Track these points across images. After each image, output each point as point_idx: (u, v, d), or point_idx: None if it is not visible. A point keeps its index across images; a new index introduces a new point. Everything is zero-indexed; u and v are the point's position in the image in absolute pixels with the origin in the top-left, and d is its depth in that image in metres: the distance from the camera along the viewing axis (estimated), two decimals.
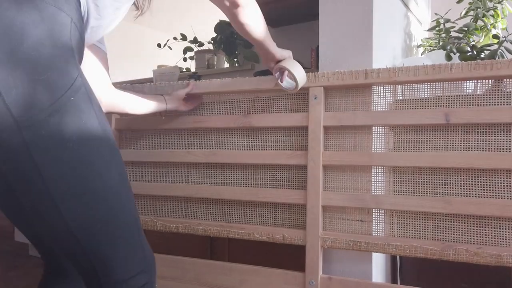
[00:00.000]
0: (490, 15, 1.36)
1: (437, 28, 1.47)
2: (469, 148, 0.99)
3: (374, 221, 1.08)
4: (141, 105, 1.13)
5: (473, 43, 1.33)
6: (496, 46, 1.20)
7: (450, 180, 1.00)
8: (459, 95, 1.00)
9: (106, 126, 0.68)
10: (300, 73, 1.03)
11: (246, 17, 0.90)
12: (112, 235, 0.68)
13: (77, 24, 0.65)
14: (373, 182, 1.08)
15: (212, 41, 2.32)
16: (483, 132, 0.98)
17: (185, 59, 2.43)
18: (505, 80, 0.97)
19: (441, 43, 1.39)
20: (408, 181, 1.04)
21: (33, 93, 0.57)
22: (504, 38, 1.20)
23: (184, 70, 2.45)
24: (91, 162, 0.64)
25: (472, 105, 0.99)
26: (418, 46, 1.63)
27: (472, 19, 1.38)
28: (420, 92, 1.05)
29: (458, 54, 1.27)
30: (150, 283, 0.74)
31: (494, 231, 0.96)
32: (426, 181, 1.03)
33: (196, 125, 1.28)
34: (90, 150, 0.64)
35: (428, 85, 1.04)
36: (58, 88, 0.59)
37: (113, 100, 1.04)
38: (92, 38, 0.78)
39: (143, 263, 0.73)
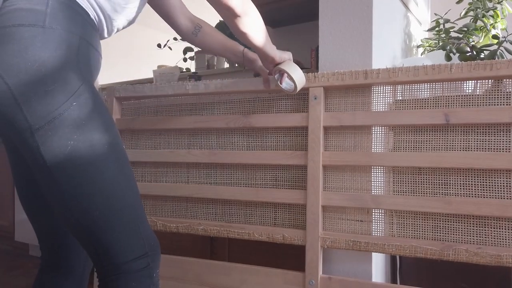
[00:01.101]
0: (489, 15, 1.37)
1: (436, 29, 1.47)
2: (468, 148, 0.99)
3: (374, 221, 1.08)
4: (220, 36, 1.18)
5: (472, 43, 1.33)
6: (495, 47, 1.21)
7: (449, 180, 1.01)
8: (459, 95, 1.00)
9: (109, 125, 0.76)
10: (298, 76, 1.03)
11: (245, 26, 0.89)
12: (110, 223, 0.74)
13: (87, 38, 0.76)
14: (373, 182, 1.08)
15: None
16: (482, 132, 0.98)
17: (185, 59, 2.43)
18: (504, 80, 0.97)
19: (440, 44, 1.39)
20: (408, 181, 1.04)
21: (43, 101, 0.69)
22: (504, 39, 1.20)
23: (184, 70, 2.45)
24: (91, 157, 0.72)
25: (472, 105, 0.99)
26: (418, 47, 1.63)
27: (472, 20, 1.39)
28: (420, 92, 1.05)
29: (457, 55, 1.28)
30: (149, 267, 0.78)
31: (494, 231, 0.96)
32: (426, 181, 1.03)
33: (196, 125, 1.28)
34: (90, 146, 0.72)
35: (428, 85, 1.04)
36: (63, 95, 0.70)
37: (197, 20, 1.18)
38: (126, 16, 0.86)
39: (141, 249, 0.77)
